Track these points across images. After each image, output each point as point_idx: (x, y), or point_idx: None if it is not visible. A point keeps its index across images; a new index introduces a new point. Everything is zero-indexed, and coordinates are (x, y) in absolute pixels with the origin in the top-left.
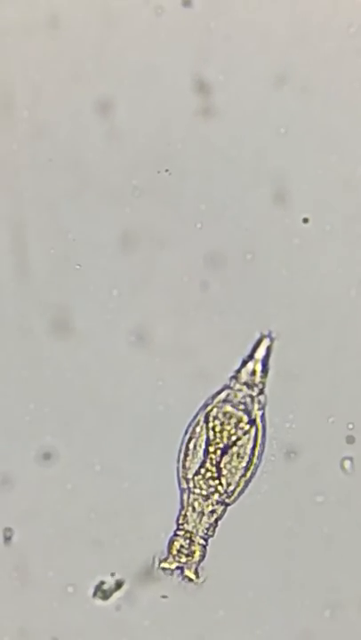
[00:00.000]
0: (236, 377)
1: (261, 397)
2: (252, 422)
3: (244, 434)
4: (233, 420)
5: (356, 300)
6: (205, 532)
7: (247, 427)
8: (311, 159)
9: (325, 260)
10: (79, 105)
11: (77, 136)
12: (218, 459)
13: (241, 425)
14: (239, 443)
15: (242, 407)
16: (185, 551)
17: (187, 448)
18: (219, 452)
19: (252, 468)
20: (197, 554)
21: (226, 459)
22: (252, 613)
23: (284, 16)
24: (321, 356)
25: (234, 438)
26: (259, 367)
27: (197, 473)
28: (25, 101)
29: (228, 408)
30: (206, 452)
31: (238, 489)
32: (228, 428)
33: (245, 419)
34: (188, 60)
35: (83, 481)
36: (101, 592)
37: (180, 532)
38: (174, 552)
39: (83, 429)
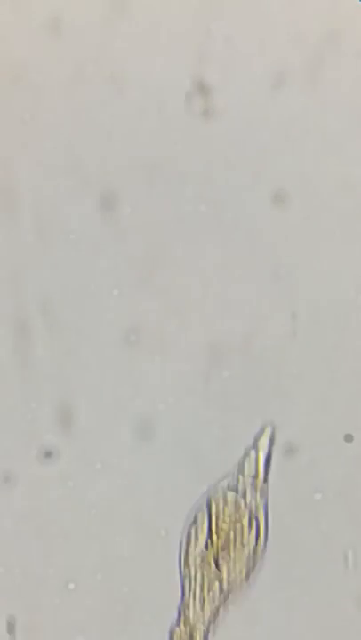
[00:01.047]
0: (239, 466)
1: (264, 486)
2: (254, 518)
3: (246, 530)
4: (235, 509)
5: (357, 300)
6: (207, 620)
7: (248, 522)
8: (311, 159)
9: (325, 260)
10: (79, 106)
11: (78, 137)
12: (216, 553)
13: (243, 523)
14: (239, 536)
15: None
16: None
17: (188, 535)
18: (218, 544)
19: (254, 557)
20: None
21: (223, 554)
22: (251, 611)
23: (284, 17)
24: (321, 356)
25: (234, 536)
26: (261, 458)
27: (199, 558)
28: (26, 103)
29: (232, 496)
30: (208, 540)
31: (241, 578)
32: (229, 520)
33: (247, 514)
34: (188, 61)
35: (84, 479)
36: None
37: (182, 620)
38: None
39: (84, 428)
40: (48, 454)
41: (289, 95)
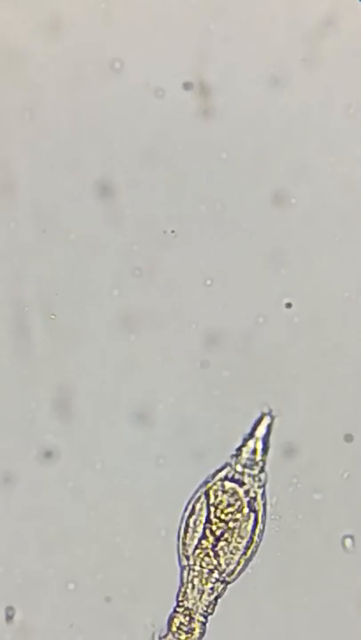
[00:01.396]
0: (237, 455)
1: (262, 475)
2: (253, 510)
3: (244, 519)
4: (233, 499)
5: (357, 299)
6: (205, 609)
7: (246, 511)
8: (311, 159)
9: (325, 260)
10: (79, 106)
11: (77, 136)
12: (214, 543)
13: (242, 512)
14: (237, 525)
15: (244, 487)
16: (185, 628)
17: (187, 525)
18: (217, 533)
19: (252, 546)
20: (197, 631)
21: (222, 543)
22: (251, 610)
23: (284, 17)
24: (320, 356)
25: (232, 525)
26: (260, 445)
27: (197, 548)
28: (26, 103)
29: (229, 485)
30: (205, 530)
31: (239, 568)
32: (227, 510)
33: (245, 503)
34: (188, 61)
35: (84, 479)
36: None
37: (180, 609)
38: (174, 629)
39: (83, 428)
40: (48, 454)
41: (289, 95)
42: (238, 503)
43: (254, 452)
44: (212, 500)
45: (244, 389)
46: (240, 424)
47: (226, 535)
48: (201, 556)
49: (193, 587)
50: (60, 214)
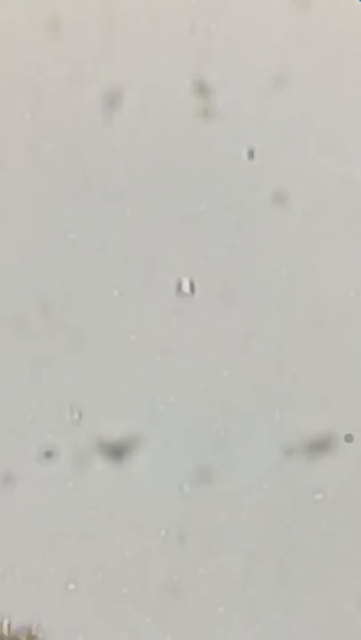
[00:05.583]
0: None
1: None
2: None
3: None
4: None
5: (356, 300)
6: None
7: None
8: (311, 159)
9: (325, 260)
10: (79, 106)
11: (78, 136)
12: None
13: None
14: None
15: None
16: None
17: None
18: None
19: None
20: None
21: None
22: (251, 611)
23: (284, 17)
24: (321, 356)
25: None
26: None
27: None
28: (26, 103)
29: None
30: None
31: None
32: None
33: None
34: (188, 61)
35: (84, 479)
36: None
37: None
38: None
39: (84, 428)
40: (48, 454)
41: (289, 95)
42: None
43: None
44: None
45: (244, 390)
46: (241, 426)
47: None
48: None
49: None
50: (59, 215)
